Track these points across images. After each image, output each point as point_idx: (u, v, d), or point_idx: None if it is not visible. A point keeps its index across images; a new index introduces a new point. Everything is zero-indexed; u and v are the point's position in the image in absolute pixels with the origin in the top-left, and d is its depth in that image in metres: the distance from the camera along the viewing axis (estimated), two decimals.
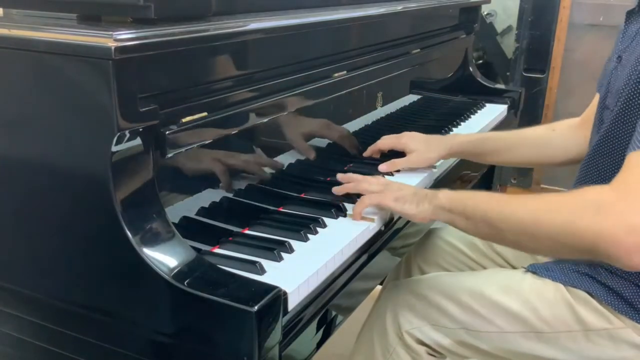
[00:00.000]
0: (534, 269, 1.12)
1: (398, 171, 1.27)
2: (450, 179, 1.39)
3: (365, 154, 1.35)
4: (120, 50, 0.74)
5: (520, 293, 1.08)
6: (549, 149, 1.35)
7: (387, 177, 1.24)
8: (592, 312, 1.04)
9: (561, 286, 1.07)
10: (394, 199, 1.04)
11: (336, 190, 1.11)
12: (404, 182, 1.14)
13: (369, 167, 1.27)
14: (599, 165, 1.10)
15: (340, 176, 1.15)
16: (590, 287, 1.05)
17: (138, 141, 0.80)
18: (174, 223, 0.83)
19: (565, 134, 1.34)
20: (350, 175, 1.14)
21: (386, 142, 1.33)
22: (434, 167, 1.31)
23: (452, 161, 1.41)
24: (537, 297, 1.07)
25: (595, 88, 1.22)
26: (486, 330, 1.08)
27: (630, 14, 1.11)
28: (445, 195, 1.01)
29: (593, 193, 0.86)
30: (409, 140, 1.31)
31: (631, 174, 0.84)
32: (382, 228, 1.07)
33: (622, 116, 1.02)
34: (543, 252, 1.11)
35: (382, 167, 1.26)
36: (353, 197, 1.10)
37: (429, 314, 1.11)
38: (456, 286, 1.13)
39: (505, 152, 1.36)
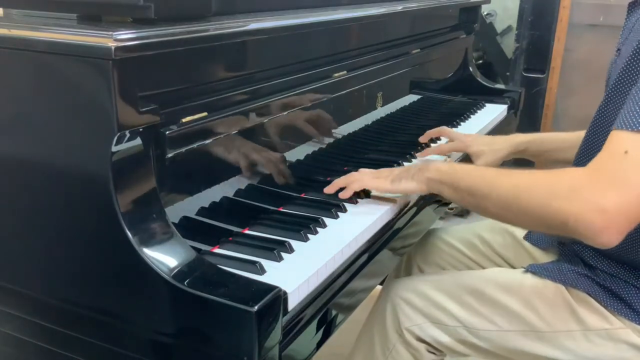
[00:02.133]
0: (533, 269, 1.12)
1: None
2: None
3: (421, 139, 1.42)
4: (120, 50, 0.74)
5: (521, 292, 1.09)
6: None
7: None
8: (591, 312, 1.05)
9: (561, 286, 1.08)
10: (390, 181, 1.10)
11: (333, 190, 1.12)
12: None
13: (368, 166, 1.26)
14: (589, 147, 1.11)
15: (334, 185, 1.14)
16: (589, 288, 1.06)
17: (138, 141, 0.80)
18: (174, 223, 0.83)
19: None
20: (342, 179, 1.13)
21: (449, 139, 1.41)
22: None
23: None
24: (537, 296, 1.08)
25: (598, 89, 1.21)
26: (486, 329, 1.09)
27: (632, 6, 1.10)
28: (435, 168, 1.07)
29: (569, 176, 0.89)
30: (473, 142, 1.38)
31: (607, 155, 0.86)
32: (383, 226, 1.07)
33: (610, 100, 1.04)
34: (522, 226, 1.18)
35: None
36: (353, 198, 1.10)
37: (429, 311, 1.11)
38: (456, 285, 1.14)
39: (568, 150, 1.33)
